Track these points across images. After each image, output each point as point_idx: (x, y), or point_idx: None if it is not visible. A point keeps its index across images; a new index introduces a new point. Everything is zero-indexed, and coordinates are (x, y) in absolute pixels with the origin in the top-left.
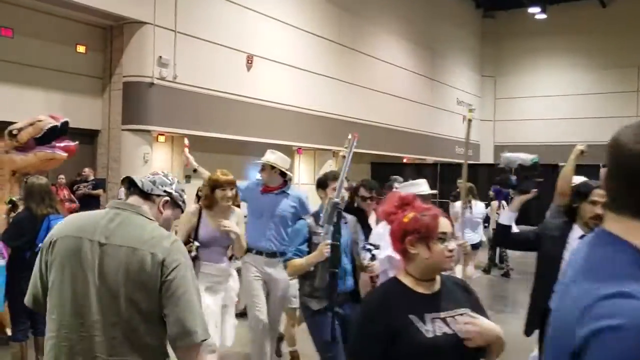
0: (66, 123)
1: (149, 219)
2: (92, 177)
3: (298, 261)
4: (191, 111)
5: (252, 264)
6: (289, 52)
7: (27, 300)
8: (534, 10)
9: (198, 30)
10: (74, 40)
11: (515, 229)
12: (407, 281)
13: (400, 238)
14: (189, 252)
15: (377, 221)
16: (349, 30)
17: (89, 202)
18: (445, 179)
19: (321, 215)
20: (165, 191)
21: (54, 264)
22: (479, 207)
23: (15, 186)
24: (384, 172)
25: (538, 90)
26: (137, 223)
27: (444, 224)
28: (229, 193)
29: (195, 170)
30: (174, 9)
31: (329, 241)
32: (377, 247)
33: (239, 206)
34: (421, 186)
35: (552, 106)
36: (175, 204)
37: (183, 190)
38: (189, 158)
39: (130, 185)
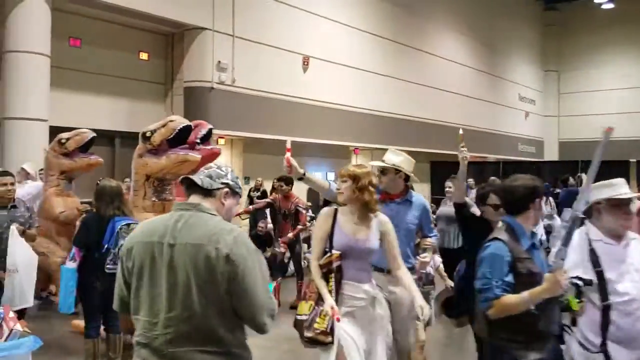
0: (210, 130)
1: (211, 214)
2: None
3: (514, 298)
4: (249, 114)
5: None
6: (345, 52)
7: (115, 304)
8: (600, 0)
9: (255, 34)
10: (137, 48)
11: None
12: None
13: None
14: (330, 263)
15: None
16: (404, 27)
17: None
18: (508, 177)
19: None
20: (223, 183)
21: (133, 269)
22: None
23: (150, 191)
24: (443, 171)
25: (605, 84)
26: (200, 220)
27: None
28: (373, 195)
29: (301, 178)
30: (231, 14)
31: (565, 267)
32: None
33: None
34: (621, 187)
35: (621, 100)
36: (234, 192)
37: (237, 177)
38: (293, 164)
39: (189, 184)
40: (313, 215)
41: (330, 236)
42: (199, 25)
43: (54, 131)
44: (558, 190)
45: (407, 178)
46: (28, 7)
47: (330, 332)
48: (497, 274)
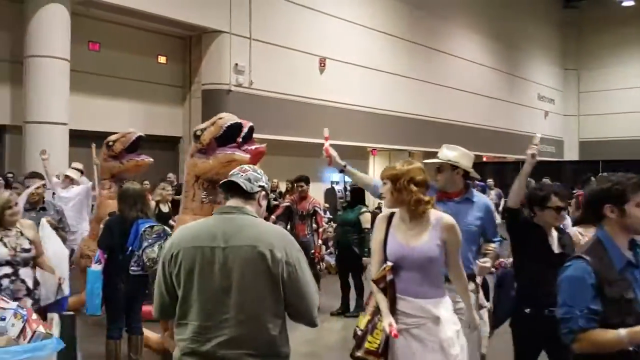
0: (252, 128)
1: (254, 216)
2: (175, 183)
3: (607, 335)
4: (267, 116)
5: None
6: (361, 53)
7: (156, 312)
8: None
9: (271, 36)
10: (155, 52)
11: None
12: None
13: None
14: (384, 277)
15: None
16: (421, 27)
17: (174, 206)
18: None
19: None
20: (259, 185)
21: (181, 275)
22: None
23: (199, 193)
24: None
25: (626, 82)
26: (248, 223)
27: None
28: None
29: (342, 170)
30: (248, 17)
31: None
32: None
33: None
34: None
35: None
36: (267, 194)
37: (265, 176)
38: (333, 154)
39: (229, 188)
40: (331, 216)
41: (384, 245)
42: (217, 28)
43: (74, 135)
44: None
45: (466, 175)
46: (48, 13)
47: (383, 353)
48: (579, 301)
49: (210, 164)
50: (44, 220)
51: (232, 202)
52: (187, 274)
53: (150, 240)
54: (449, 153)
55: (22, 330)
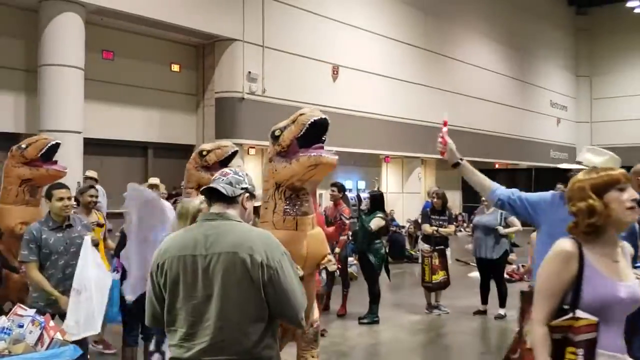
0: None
1: (237, 221)
2: None
3: None
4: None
5: None
6: (374, 60)
7: (147, 320)
8: (633, 4)
9: (284, 44)
10: (169, 60)
11: None
12: None
13: None
14: (576, 330)
15: None
16: (434, 34)
17: None
18: (540, 184)
19: None
20: (242, 188)
21: (167, 284)
22: None
23: (281, 203)
24: None
25: (639, 89)
26: (229, 228)
27: None
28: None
29: (457, 164)
30: (261, 25)
31: None
32: None
33: None
34: None
35: None
36: (252, 195)
37: (251, 179)
38: (450, 143)
39: (211, 194)
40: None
41: (577, 286)
42: (230, 36)
43: (88, 143)
44: None
45: None
46: (62, 22)
47: None
48: None
49: (294, 169)
50: (87, 238)
51: (215, 208)
52: (172, 283)
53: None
54: (595, 158)
55: (40, 337)
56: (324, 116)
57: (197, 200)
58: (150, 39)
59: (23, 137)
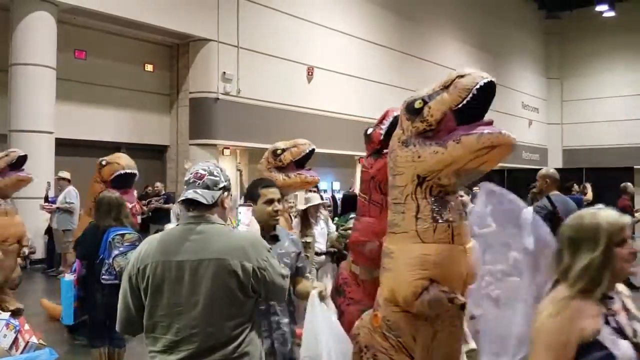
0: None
1: (220, 224)
2: (163, 192)
3: None
4: (254, 124)
5: None
6: (349, 62)
7: (120, 325)
8: (601, 8)
9: (259, 44)
10: (142, 60)
11: None
12: None
13: None
14: None
15: None
16: (409, 37)
17: (160, 216)
18: (514, 185)
19: None
20: (220, 188)
21: (149, 289)
22: None
23: (426, 205)
24: None
25: (609, 91)
26: (215, 233)
27: None
28: None
29: None
30: (236, 26)
31: None
32: None
33: None
34: None
35: (624, 107)
36: (229, 191)
37: (225, 172)
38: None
39: (190, 203)
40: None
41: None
42: (204, 36)
43: (60, 143)
44: None
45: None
46: (34, 20)
47: None
48: None
49: (451, 154)
50: (314, 293)
51: (195, 211)
52: (155, 288)
53: (121, 249)
54: None
55: (15, 341)
56: (491, 77)
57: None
58: (123, 38)
59: None
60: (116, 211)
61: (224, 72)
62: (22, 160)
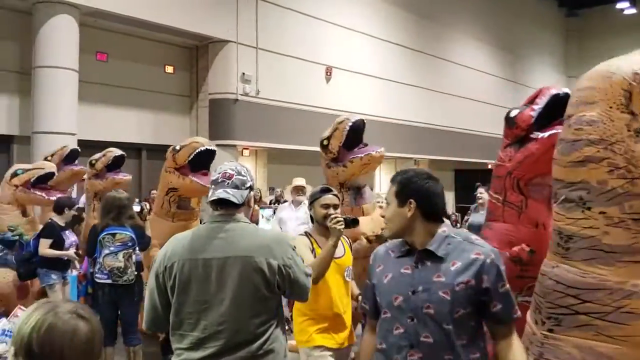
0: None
1: (245, 222)
2: None
3: None
4: (273, 125)
5: None
6: (367, 62)
7: (147, 324)
8: (622, 5)
9: (278, 45)
10: (163, 61)
11: None
12: None
13: None
14: None
15: None
16: (427, 36)
17: None
18: None
19: None
20: (247, 187)
21: (176, 287)
22: None
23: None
24: (468, 179)
25: None
26: (242, 231)
27: None
28: None
29: None
30: (255, 27)
31: None
32: None
33: None
34: None
35: None
36: (253, 189)
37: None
38: None
39: (220, 203)
40: None
41: None
42: (223, 38)
43: (82, 145)
44: None
45: None
46: (56, 24)
47: None
48: None
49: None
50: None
51: (223, 210)
52: (182, 286)
53: (112, 248)
54: None
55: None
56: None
57: None
58: (144, 40)
59: (16, 139)
60: (116, 212)
61: (243, 73)
62: (118, 160)
